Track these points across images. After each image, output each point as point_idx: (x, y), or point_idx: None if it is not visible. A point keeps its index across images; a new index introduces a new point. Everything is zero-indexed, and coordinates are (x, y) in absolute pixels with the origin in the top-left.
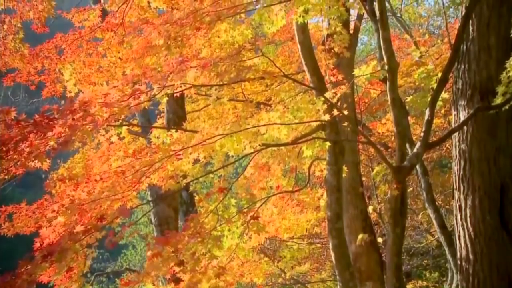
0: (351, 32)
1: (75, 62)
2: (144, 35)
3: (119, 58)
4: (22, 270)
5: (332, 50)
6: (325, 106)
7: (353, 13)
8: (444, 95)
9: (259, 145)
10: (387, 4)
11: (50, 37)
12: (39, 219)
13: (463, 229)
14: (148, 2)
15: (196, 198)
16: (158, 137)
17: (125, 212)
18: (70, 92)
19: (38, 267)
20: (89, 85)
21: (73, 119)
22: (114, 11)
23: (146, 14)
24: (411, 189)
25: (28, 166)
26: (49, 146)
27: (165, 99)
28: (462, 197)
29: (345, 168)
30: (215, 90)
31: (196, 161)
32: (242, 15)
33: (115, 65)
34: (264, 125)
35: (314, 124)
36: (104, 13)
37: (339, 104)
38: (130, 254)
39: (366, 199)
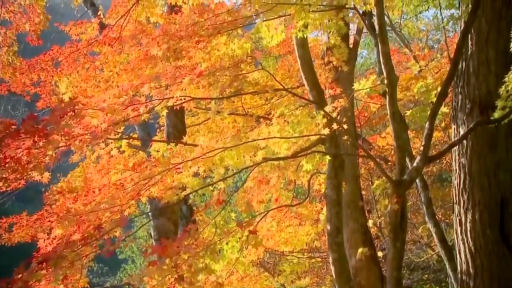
0: (351, 46)
1: (71, 75)
2: (143, 46)
3: (116, 73)
4: (17, 277)
5: (331, 64)
6: (325, 120)
7: (353, 27)
8: (444, 109)
9: (262, 158)
10: (386, 19)
11: (48, 50)
12: (39, 229)
13: (464, 243)
14: (148, 18)
15: (195, 209)
16: (157, 151)
17: (124, 221)
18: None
19: (34, 275)
20: (85, 98)
21: (60, 117)
22: (111, 24)
23: (144, 28)
24: (411, 203)
25: (27, 176)
26: (48, 157)
27: (164, 112)
28: (462, 211)
29: (344, 182)
30: (215, 103)
31: (196, 174)
32: (242, 29)
33: (112, 79)
34: (263, 139)
35: (314, 138)
36: (102, 27)
37: (338, 118)
38: (129, 269)
39: (366, 213)
